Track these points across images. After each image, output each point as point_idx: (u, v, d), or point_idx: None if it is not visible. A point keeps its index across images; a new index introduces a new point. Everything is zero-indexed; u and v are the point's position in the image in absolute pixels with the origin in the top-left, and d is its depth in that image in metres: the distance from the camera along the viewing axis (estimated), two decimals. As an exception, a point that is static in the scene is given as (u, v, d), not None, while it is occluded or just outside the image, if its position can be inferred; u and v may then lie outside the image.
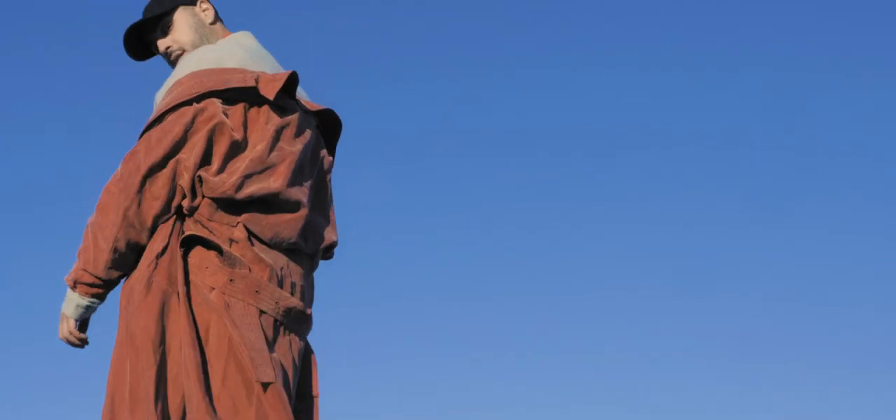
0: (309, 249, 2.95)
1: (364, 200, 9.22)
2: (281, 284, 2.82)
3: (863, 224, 9.21)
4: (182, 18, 3.05)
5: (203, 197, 2.76)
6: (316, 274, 3.10)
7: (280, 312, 2.80)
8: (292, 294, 2.85)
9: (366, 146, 9.71)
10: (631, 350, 8.89)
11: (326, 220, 3.05)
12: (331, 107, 3.11)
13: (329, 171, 3.08)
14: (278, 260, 2.83)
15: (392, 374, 8.78)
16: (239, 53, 2.92)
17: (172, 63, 3.06)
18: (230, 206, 2.78)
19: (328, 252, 3.09)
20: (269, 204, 2.82)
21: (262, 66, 2.96)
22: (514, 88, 9.81)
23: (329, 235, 3.02)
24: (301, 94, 3.08)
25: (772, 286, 9.12)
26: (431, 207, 9.62)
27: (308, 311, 2.93)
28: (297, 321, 2.88)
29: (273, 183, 2.80)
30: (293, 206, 2.86)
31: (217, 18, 3.12)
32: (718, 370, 8.77)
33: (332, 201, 3.08)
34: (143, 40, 3.11)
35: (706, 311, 9.08)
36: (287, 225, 2.85)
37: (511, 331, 9.10)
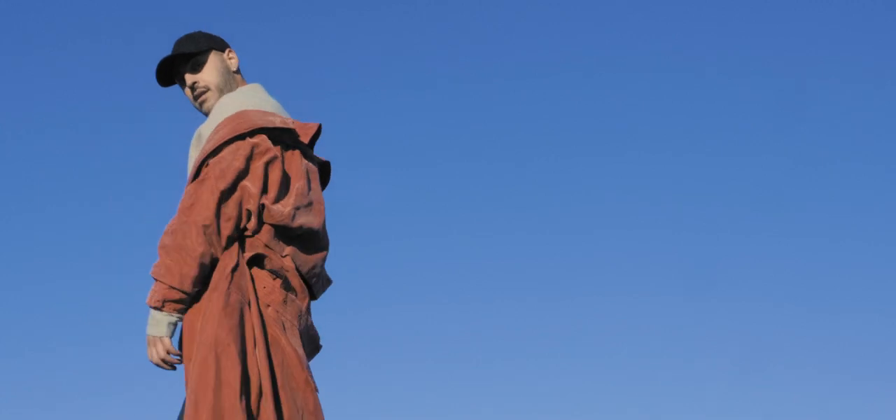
0: (318, 288, 3.33)
1: (363, 202, 9.23)
2: (309, 311, 3.25)
3: (863, 227, 9.21)
4: (213, 61, 3.37)
5: (263, 223, 3.13)
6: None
7: (309, 335, 3.25)
8: (307, 327, 3.25)
9: (365, 147, 9.71)
10: (631, 351, 8.89)
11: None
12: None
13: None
14: (304, 296, 3.23)
15: (392, 374, 8.79)
16: (270, 102, 3.31)
17: (195, 96, 3.36)
18: (283, 235, 3.15)
19: None
20: (309, 239, 3.20)
21: (277, 110, 3.33)
22: (516, 91, 9.82)
23: (326, 284, 3.39)
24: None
25: (773, 288, 9.12)
26: (431, 209, 9.63)
27: (319, 345, 3.36)
28: (313, 346, 3.32)
29: (314, 219, 3.20)
30: (325, 244, 3.27)
31: (238, 68, 3.44)
32: (718, 371, 8.78)
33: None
34: (170, 69, 3.39)
35: (707, 312, 9.08)
36: (320, 260, 3.25)
37: (511, 333, 9.10)
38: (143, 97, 9.74)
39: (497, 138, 9.72)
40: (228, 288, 3.01)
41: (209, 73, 3.36)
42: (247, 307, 3.05)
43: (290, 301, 3.15)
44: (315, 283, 3.28)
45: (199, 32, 3.41)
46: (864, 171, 9.36)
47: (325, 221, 3.26)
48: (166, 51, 3.42)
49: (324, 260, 3.27)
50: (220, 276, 3.03)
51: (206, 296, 3.04)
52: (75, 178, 9.49)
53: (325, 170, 3.47)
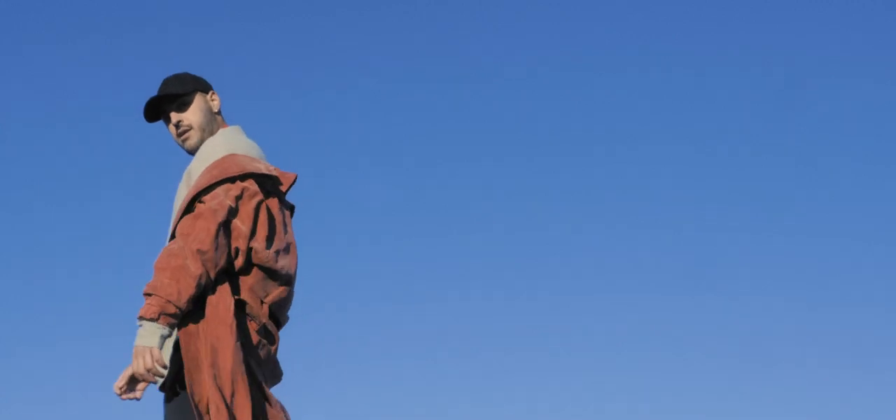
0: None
1: (363, 203, 9.24)
2: (275, 359, 3.51)
3: (861, 224, 9.23)
4: (198, 102, 3.60)
5: (252, 265, 3.38)
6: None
7: (274, 376, 3.53)
8: (278, 372, 3.55)
9: (363, 148, 9.73)
10: (631, 351, 8.90)
11: None
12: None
13: None
14: (276, 338, 3.49)
15: (392, 374, 8.80)
16: (253, 146, 3.58)
17: (179, 133, 3.60)
18: (268, 278, 3.41)
19: None
20: (287, 283, 3.47)
21: (260, 156, 3.59)
22: (514, 90, 9.83)
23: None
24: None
25: (771, 287, 9.14)
26: (431, 209, 9.64)
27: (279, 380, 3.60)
28: (277, 381, 3.57)
29: (291, 262, 3.47)
30: (292, 291, 3.51)
31: (219, 110, 3.67)
32: (717, 371, 8.79)
33: None
34: (157, 106, 3.63)
35: (705, 311, 9.09)
36: (289, 307, 3.53)
37: (511, 332, 9.12)
38: (142, 95, 9.74)
39: (497, 138, 9.73)
40: (238, 326, 3.31)
41: (193, 114, 3.59)
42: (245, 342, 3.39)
43: (262, 346, 3.41)
44: (283, 321, 3.57)
45: (186, 74, 3.66)
46: (862, 169, 9.38)
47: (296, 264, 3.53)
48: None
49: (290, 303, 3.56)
50: (225, 310, 3.29)
51: (205, 325, 3.29)
52: (74, 177, 9.51)
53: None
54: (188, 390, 3.24)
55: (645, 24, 9.77)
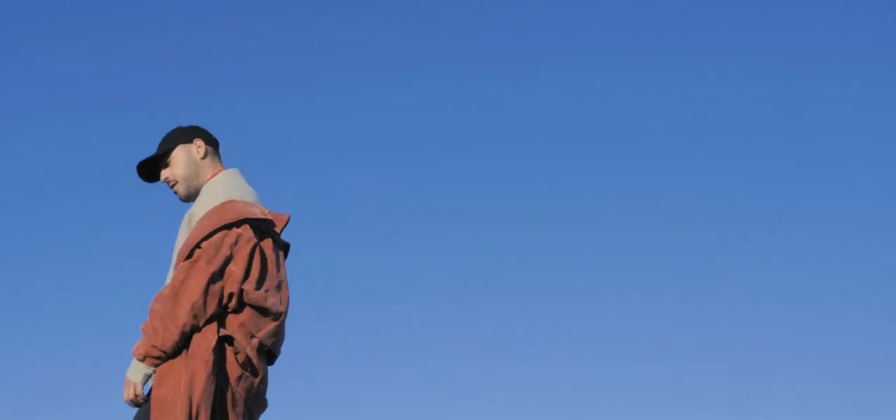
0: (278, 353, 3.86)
1: (363, 202, 9.25)
2: (262, 388, 3.76)
3: (861, 227, 9.23)
4: (179, 154, 3.89)
5: (244, 304, 3.66)
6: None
7: (257, 408, 3.78)
8: (264, 398, 3.80)
9: (364, 147, 9.73)
10: (630, 351, 8.91)
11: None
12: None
13: None
14: (263, 368, 3.74)
15: (391, 374, 8.80)
16: (249, 191, 3.83)
17: (170, 187, 3.90)
18: (260, 314, 3.68)
19: None
20: (278, 317, 3.73)
21: (256, 200, 3.84)
22: (515, 91, 9.83)
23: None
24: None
25: (770, 289, 9.14)
26: (431, 208, 9.64)
27: (264, 409, 3.83)
28: (262, 410, 3.82)
29: (281, 298, 3.74)
30: (282, 324, 3.76)
31: (208, 153, 3.91)
32: (715, 371, 8.80)
33: None
34: (151, 170, 3.96)
35: (704, 313, 9.10)
36: (280, 340, 3.78)
37: (510, 332, 9.12)
38: (138, 95, 9.76)
39: (497, 138, 9.74)
40: (214, 362, 3.59)
41: (177, 167, 3.88)
42: (219, 379, 3.65)
43: (245, 378, 3.67)
44: (277, 353, 3.83)
45: (173, 130, 3.94)
46: (863, 172, 9.38)
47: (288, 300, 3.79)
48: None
49: (282, 336, 3.80)
50: (205, 348, 3.60)
51: (187, 359, 3.61)
52: (75, 176, 9.51)
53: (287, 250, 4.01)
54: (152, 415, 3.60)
55: (646, 25, 9.78)
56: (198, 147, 3.89)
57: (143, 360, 3.60)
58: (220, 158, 3.94)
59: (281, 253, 3.82)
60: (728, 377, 8.72)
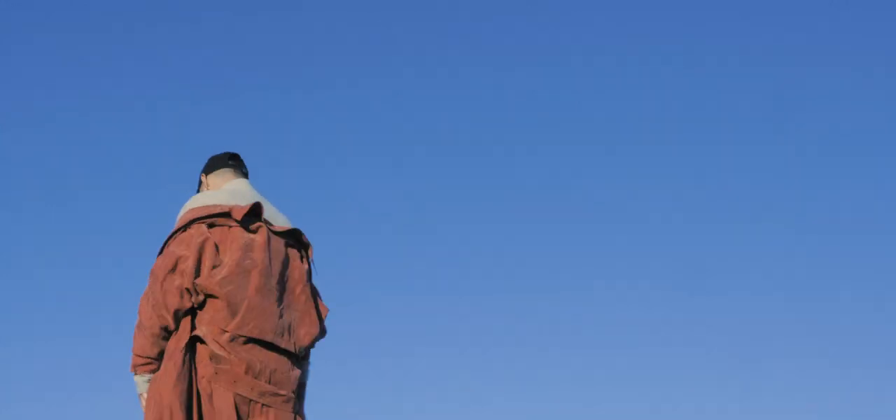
0: (288, 346, 3.91)
1: (364, 202, 9.26)
2: (259, 374, 3.84)
3: (859, 223, 9.24)
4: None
5: (205, 297, 3.83)
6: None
7: (255, 395, 3.84)
8: (269, 382, 3.86)
9: (361, 146, 9.74)
10: (630, 349, 8.92)
11: (304, 318, 3.99)
12: (297, 227, 4.09)
13: (305, 277, 4.03)
14: (255, 354, 3.84)
15: (391, 373, 8.81)
16: (222, 196, 4.00)
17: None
18: (226, 308, 3.81)
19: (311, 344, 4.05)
20: (256, 307, 3.83)
21: (244, 199, 4.00)
22: (513, 86, 9.84)
23: (309, 333, 3.98)
24: (277, 219, 4.07)
25: (768, 286, 9.15)
26: (431, 208, 9.65)
27: (282, 393, 3.89)
28: (275, 400, 3.88)
29: (250, 282, 3.83)
30: (263, 309, 3.85)
31: (208, 185, 4.13)
32: (714, 370, 8.81)
33: (311, 301, 4.03)
34: None
35: (701, 310, 9.11)
36: (258, 326, 3.84)
37: (510, 330, 9.13)
38: (140, 95, 9.77)
39: (496, 137, 9.75)
40: (182, 360, 3.79)
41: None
42: (193, 375, 3.83)
43: (222, 373, 3.80)
44: (286, 339, 3.93)
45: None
46: (860, 168, 9.39)
47: (266, 284, 3.87)
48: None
49: (267, 321, 3.88)
50: (175, 348, 3.81)
51: (164, 362, 3.84)
52: (73, 175, 9.52)
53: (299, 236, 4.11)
54: None
55: (646, 21, 9.79)
56: (201, 185, 4.17)
57: (135, 372, 3.91)
58: (222, 172, 4.15)
59: (255, 239, 3.92)
60: (725, 371, 8.74)
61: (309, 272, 4.07)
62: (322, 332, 4.05)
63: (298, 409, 3.99)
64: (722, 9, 9.83)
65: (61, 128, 9.63)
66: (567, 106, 9.82)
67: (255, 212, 3.95)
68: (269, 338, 3.86)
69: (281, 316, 3.89)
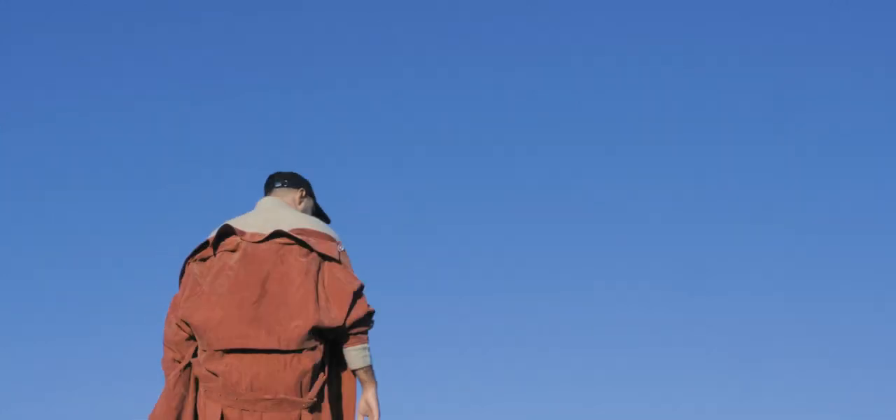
0: (272, 344, 3.90)
1: (363, 202, 9.25)
2: (237, 383, 3.89)
3: (859, 223, 9.23)
4: None
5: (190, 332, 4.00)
6: None
7: (237, 404, 3.91)
8: (250, 388, 3.89)
9: (363, 146, 9.73)
10: (629, 349, 8.91)
11: (300, 311, 3.95)
12: (308, 227, 4.20)
13: (305, 271, 4.01)
14: (233, 364, 3.90)
15: (391, 373, 8.80)
16: (238, 219, 4.15)
17: None
18: (201, 333, 3.92)
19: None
20: (208, 324, 3.92)
21: (245, 221, 4.14)
22: (513, 86, 9.83)
23: (298, 326, 3.93)
24: (283, 223, 4.13)
25: (768, 286, 9.14)
26: (431, 207, 9.64)
27: (267, 396, 3.91)
28: (259, 404, 3.91)
29: (213, 306, 3.92)
30: (232, 318, 3.90)
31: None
32: (714, 370, 8.80)
33: (311, 294, 3.99)
34: None
35: (701, 310, 9.11)
36: (226, 336, 3.89)
37: (509, 330, 9.12)
38: (139, 94, 9.76)
39: (496, 137, 9.74)
40: (174, 382, 3.95)
41: None
42: (188, 396, 4.00)
43: (209, 390, 3.93)
44: (265, 338, 3.91)
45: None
46: (860, 168, 9.39)
47: (233, 297, 3.94)
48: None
49: (230, 330, 3.92)
50: (174, 368, 4.00)
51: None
52: (73, 175, 9.51)
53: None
54: None
55: (646, 20, 9.78)
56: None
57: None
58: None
59: (234, 260, 4.03)
60: (725, 371, 8.73)
61: (320, 265, 4.08)
62: (322, 321, 3.97)
63: (310, 405, 3.97)
64: (722, 9, 9.83)
65: (61, 128, 9.62)
66: (567, 106, 9.82)
67: (224, 233, 4.10)
68: (237, 344, 3.91)
69: (257, 319, 3.91)
